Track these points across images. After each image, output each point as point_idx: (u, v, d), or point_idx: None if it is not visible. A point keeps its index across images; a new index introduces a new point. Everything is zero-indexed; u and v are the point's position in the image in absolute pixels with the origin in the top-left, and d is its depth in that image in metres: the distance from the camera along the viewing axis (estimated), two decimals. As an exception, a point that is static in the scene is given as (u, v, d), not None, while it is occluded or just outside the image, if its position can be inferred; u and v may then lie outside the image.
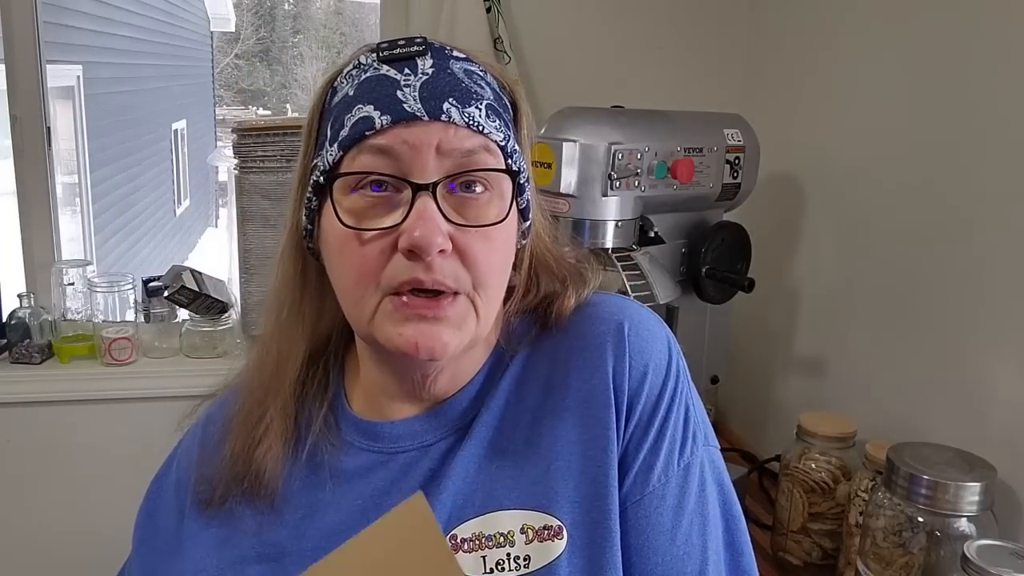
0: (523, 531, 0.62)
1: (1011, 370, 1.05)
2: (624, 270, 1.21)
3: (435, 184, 0.59)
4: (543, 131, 1.22)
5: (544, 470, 0.64)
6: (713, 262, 1.33)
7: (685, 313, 1.35)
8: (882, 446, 1.06)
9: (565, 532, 0.62)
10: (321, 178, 0.62)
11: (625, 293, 1.18)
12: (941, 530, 0.94)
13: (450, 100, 0.60)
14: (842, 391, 1.39)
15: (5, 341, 1.58)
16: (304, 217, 0.65)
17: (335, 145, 0.61)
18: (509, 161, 0.63)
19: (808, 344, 1.50)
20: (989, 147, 1.09)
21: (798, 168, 1.53)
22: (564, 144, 1.16)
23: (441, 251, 0.59)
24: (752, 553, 0.68)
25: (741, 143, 1.33)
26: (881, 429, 1.20)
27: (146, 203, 6.55)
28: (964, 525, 0.94)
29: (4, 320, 1.59)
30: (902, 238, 1.25)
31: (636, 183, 1.19)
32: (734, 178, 1.33)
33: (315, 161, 0.64)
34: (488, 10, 1.60)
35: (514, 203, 0.64)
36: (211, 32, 9.81)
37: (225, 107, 10.97)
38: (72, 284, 1.63)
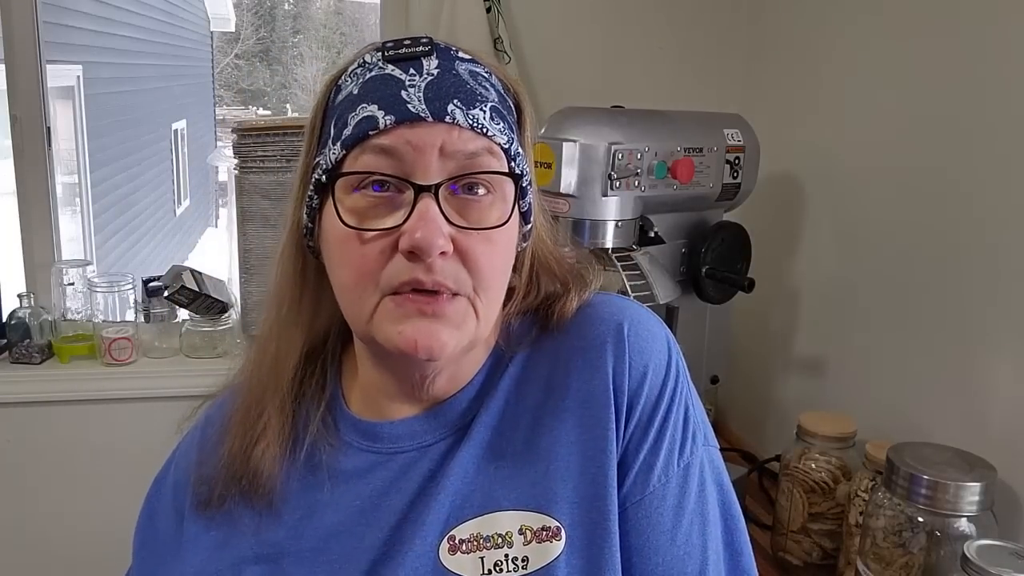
0: (521, 532, 0.62)
1: (1011, 370, 1.05)
2: (624, 270, 1.21)
3: (437, 186, 0.59)
4: (543, 131, 1.22)
5: (543, 471, 0.64)
6: (713, 262, 1.33)
7: (685, 313, 1.35)
8: (882, 446, 1.06)
9: (564, 533, 0.62)
10: (323, 177, 0.62)
11: (625, 293, 1.18)
12: (941, 530, 0.94)
13: (455, 102, 0.60)
14: (842, 391, 1.39)
15: (5, 341, 1.58)
16: (305, 215, 0.65)
17: (338, 144, 0.61)
18: (512, 164, 0.63)
19: (808, 344, 1.50)
20: (989, 147, 1.09)
21: (798, 168, 1.53)
22: (564, 144, 1.16)
23: (442, 253, 0.58)
24: (751, 553, 0.68)
25: (741, 143, 1.33)
26: (881, 429, 1.20)
27: (146, 203, 6.56)
28: (964, 525, 0.94)
29: (4, 320, 1.59)
30: (902, 238, 1.25)
31: (636, 183, 1.19)
32: (734, 178, 1.33)
33: (317, 159, 0.64)
34: (488, 10, 1.60)
35: (516, 206, 0.64)
36: (211, 32, 9.81)
37: (225, 107, 10.97)
38: (72, 284, 1.63)
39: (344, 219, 0.60)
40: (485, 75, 0.64)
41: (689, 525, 0.64)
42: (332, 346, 0.74)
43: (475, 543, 0.62)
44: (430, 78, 0.60)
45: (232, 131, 1.63)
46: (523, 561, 0.61)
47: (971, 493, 0.93)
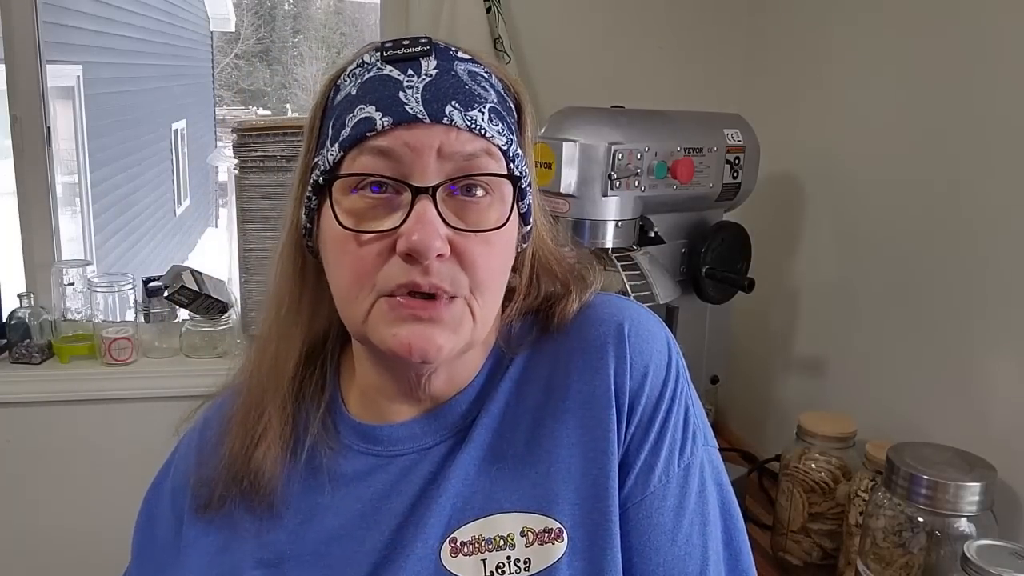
0: (523, 534, 0.62)
1: (1011, 370, 1.05)
2: (624, 270, 1.21)
3: (435, 187, 0.59)
4: (543, 131, 1.22)
5: (544, 472, 0.64)
6: (713, 262, 1.33)
7: (685, 313, 1.35)
8: (882, 446, 1.06)
9: (565, 534, 0.62)
10: (321, 178, 0.62)
11: (625, 293, 1.18)
12: (941, 530, 0.94)
13: (453, 103, 0.59)
14: (842, 391, 1.39)
15: (5, 341, 1.58)
16: (304, 216, 0.65)
17: (336, 145, 0.60)
18: (511, 166, 0.62)
19: (808, 344, 1.50)
20: (989, 147, 1.09)
21: (798, 168, 1.53)
22: (564, 144, 1.16)
23: (439, 255, 0.58)
24: (750, 552, 0.68)
25: (741, 143, 1.33)
26: (881, 429, 1.20)
27: (146, 203, 6.55)
28: (964, 525, 0.94)
29: (4, 320, 1.59)
30: (902, 238, 1.25)
31: (636, 183, 1.19)
32: (734, 178, 1.33)
33: (316, 160, 0.63)
34: (488, 10, 1.60)
35: (515, 207, 0.63)
36: (211, 32, 9.81)
37: (225, 107, 10.97)
38: (72, 284, 1.63)
39: (341, 221, 0.60)
40: (484, 75, 0.64)
41: (690, 525, 0.64)
42: (331, 347, 0.73)
43: (477, 545, 0.62)
44: (428, 79, 0.60)
45: (232, 131, 1.63)
46: (525, 563, 0.61)
47: (971, 493, 0.93)
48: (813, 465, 1.18)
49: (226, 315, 1.64)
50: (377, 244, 0.59)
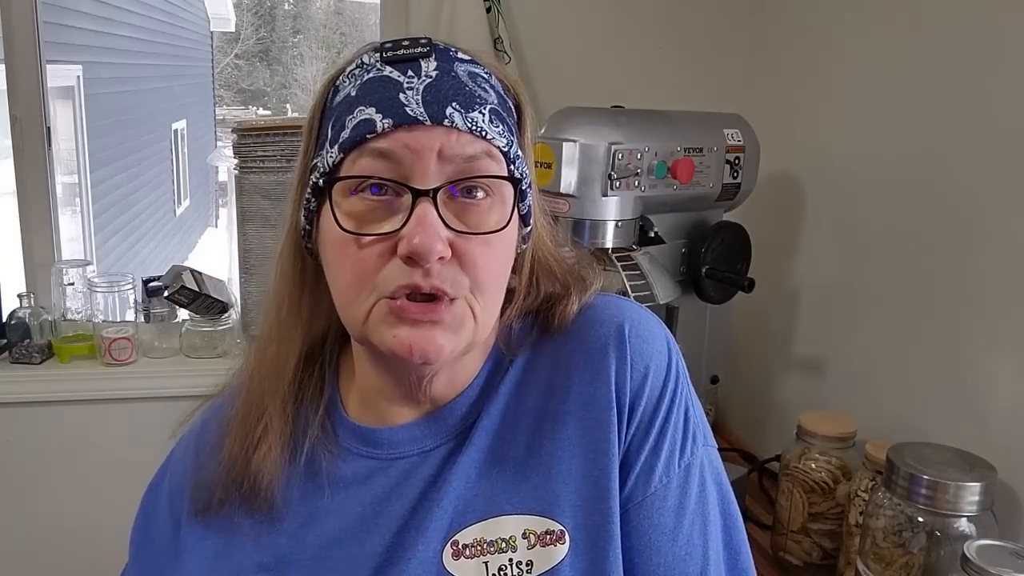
0: (525, 536, 0.62)
1: (1011, 370, 1.05)
2: (624, 270, 1.21)
3: (436, 190, 0.58)
4: (543, 131, 1.22)
5: (545, 474, 0.63)
6: (713, 262, 1.33)
7: (685, 313, 1.35)
8: (882, 446, 1.06)
9: (567, 536, 0.62)
10: (320, 180, 0.61)
11: (625, 293, 1.18)
12: (941, 530, 0.94)
13: (453, 104, 0.59)
14: (842, 391, 1.39)
15: (5, 341, 1.58)
16: (303, 217, 0.65)
17: (335, 147, 0.60)
18: (512, 167, 0.62)
19: (808, 344, 1.50)
20: (989, 147, 1.09)
21: (798, 168, 1.53)
22: (564, 144, 1.16)
23: (440, 258, 0.58)
24: (749, 552, 0.68)
25: (741, 143, 1.33)
26: (881, 429, 1.20)
27: (146, 203, 6.55)
28: (964, 525, 0.94)
29: (4, 320, 1.59)
30: (902, 238, 1.25)
31: (636, 183, 1.19)
32: (734, 178, 1.33)
33: (315, 161, 0.63)
34: (488, 10, 1.60)
35: (515, 209, 0.63)
36: (211, 32, 9.81)
37: (225, 107, 10.97)
38: (72, 284, 1.63)
39: (341, 223, 0.60)
40: (485, 76, 0.64)
41: (690, 525, 0.64)
42: (330, 349, 0.73)
43: (478, 548, 0.62)
44: (428, 80, 0.60)
45: (232, 131, 1.63)
46: (527, 565, 0.61)
47: (971, 493, 0.93)
48: (813, 465, 1.18)
49: (226, 315, 1.64)
50: (378, 246, 0.59)
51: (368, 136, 0.59)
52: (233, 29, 10.72)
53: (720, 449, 0.70)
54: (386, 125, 0.58)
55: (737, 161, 1.33)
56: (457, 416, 0.67)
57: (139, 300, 1.64)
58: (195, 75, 9.01)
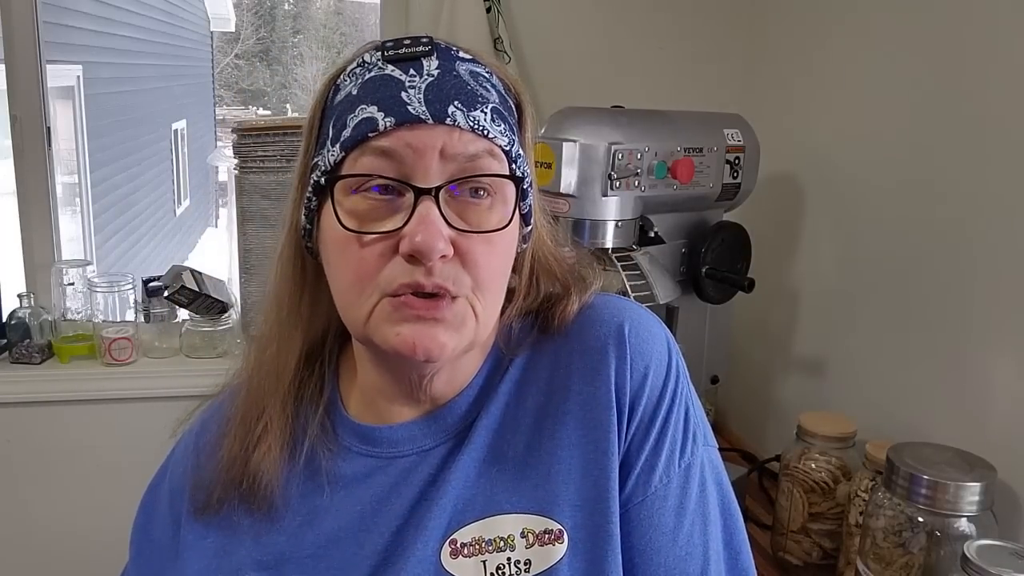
0: (523, 535, 0.62)
1: (1011, 370, 1.05)
2: (624, 270, 1.21)
3: (438, 188, 0.58)
4: (543, 131, 1.22)
5: (545, 474, 0.63)
6: (713, 262, 1.33)
7: (685, 313, 1.35)
8: (882, 446, 1.06)
9: (566, 535, 0.62)
10: (322, 179, 0.61)
11: (625, 293, 1.18)
12: (941, 530, 0.94)
13: (455, 103, 0.59)
14: (842, 391, 1.39)
15: (5, 341, 1.58)
16: (303, 217, 0.65)
17: (337, 145, 0.60)
18: (513, 166, 0.62)
19: (808, 344, 1.50)
20: (989, 147, 1.09)
21: (798, 168, 1.53)
22: (564, 144, 1.16)
23: (442, 256, 0.58)
24: (750, 552, 0.68)
25: (741, 143, 1.33)
26: (881, 429, 1.20)
27: (146, 203, 6.55)
28: (964, 525, 0.94)
29: (4, 320, 1.59)
30: (902, 238, 1.25)
31: (636, 183, 1.19)
32: (734, 178, 1.33)
33: (316, 160, 0.63)
34: (488, 10, 1.60)
35: (517, 208, 0.63)
36: (211, 32, 9.81)
37: (225, 107, 10.97)
38: (72, 284, 1.63)
39: (343, 222, 0.60)
40: (486, 75, 0.64)
41: (691, 525, 0.64)
42: (330, 347, 0.73)
43: (477, 547, 0.62)
44: (430, 79, 0.60)
45: (232, 131, 1.63)
46: (525, 564, 0.61)
47: (971, 493, 0.93)
48: (813, 465, 1.18)
49: (226, 315, 1.64)
50: (379, 245, 0.59)
51: (370, 135, 0.58)
52: (233, 29, 10.72)
53: (720, 449, 0.70)
54: (388, 124, 0.58)
55: (737, 161, 1.33)
56: (457, 415, 0.67)
57: (139, 300, 1.64)
58: (195, 75, 9.02)
